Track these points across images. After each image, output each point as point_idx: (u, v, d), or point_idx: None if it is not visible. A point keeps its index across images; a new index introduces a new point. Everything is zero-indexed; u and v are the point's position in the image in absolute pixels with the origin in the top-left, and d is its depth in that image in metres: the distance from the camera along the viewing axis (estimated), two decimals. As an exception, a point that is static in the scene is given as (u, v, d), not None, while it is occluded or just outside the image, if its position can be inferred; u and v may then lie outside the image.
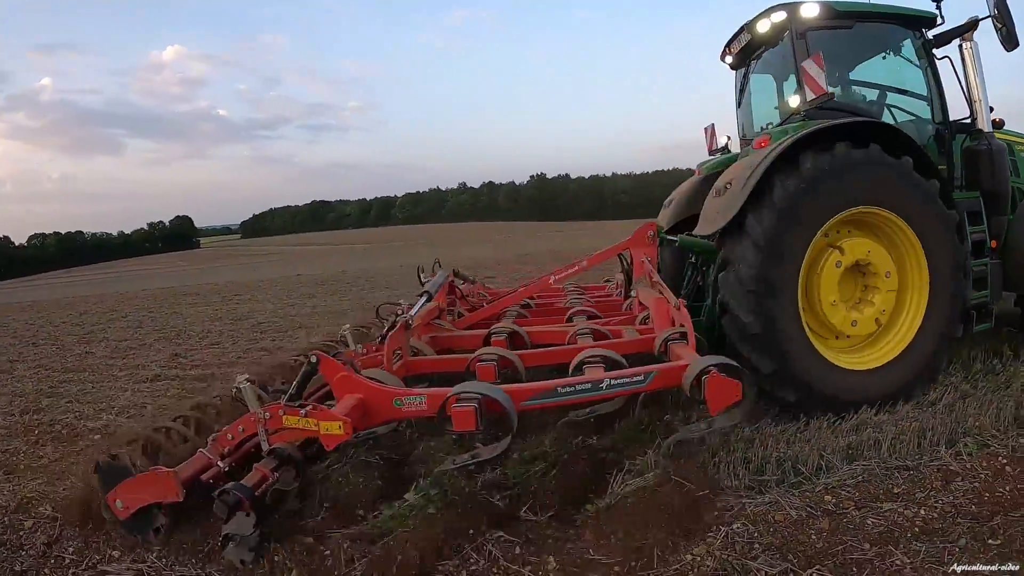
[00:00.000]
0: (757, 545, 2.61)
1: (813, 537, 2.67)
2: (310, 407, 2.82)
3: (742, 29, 4.91)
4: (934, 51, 4.55)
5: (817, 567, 2.49)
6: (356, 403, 2.85)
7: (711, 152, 5.78)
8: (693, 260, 5.14)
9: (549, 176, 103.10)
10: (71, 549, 2.93)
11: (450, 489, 2.88)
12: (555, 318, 5.02)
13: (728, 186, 3.98)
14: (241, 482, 2.78)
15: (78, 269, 69.31)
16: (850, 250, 3.89)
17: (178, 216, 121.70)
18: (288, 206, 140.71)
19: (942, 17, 4.47)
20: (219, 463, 3.02)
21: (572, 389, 2.88)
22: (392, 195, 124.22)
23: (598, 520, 2.76)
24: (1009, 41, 4.23)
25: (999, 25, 4.20)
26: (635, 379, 2.98)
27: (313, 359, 2.97)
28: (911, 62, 4.61)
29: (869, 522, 2.76)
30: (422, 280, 5.14)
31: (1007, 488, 2.97)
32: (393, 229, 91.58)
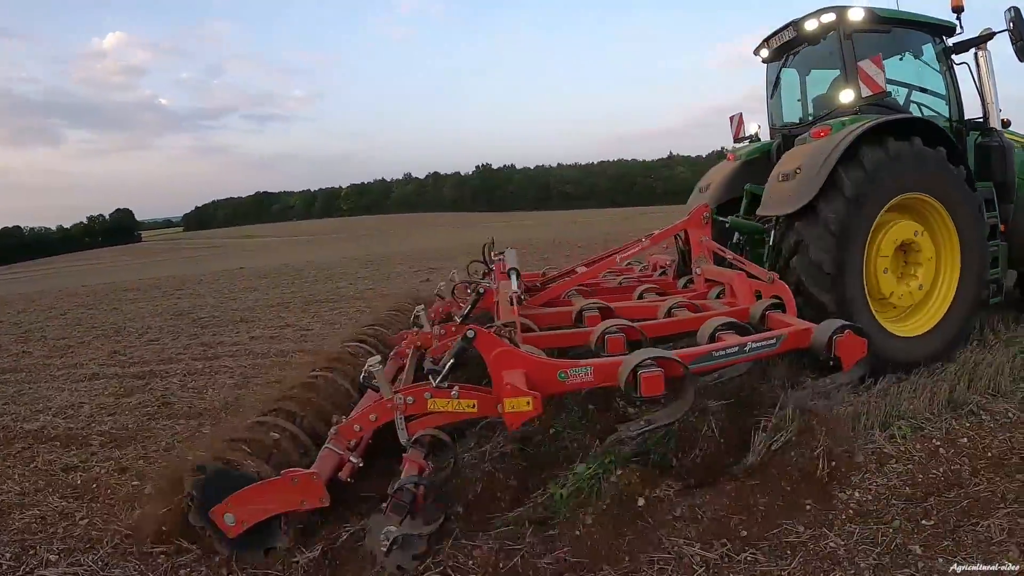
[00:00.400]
0: (693, 531, 2.68)
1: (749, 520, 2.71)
2: (459, 387, 2.70)
3: (788, 26, 5.25)
4: (952, 57, 5.11)
5: (751, 551, 2.54)
6: (523, 379, 2.70)
7: (736, 139, 6.10)
8: (736, 241, 5.43)
9: (495, 166, 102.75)
10: (8, 555, 2.85)
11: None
12: (617, 296, 5.15)
13: (798, 171, 4.33)
14: (413, 475, 2.55)
15: (16, 266, 64.64)
16: (924, 242, 4.50)
17: (118, 209, 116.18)
18: (231, 198, 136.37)
19: (961, 27, 5.03)
20: (352, 459, 2.76)
21: (724, 353, 3.11)
22: (337, 186, 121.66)
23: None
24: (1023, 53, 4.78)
25: (1015, 38, 4.76)
26: (768, 342, 3.25)
27: (470, 334, 2.77)
28: (930, 65, 5.16)
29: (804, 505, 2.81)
30: (489, 259, 5.01)
31: (940, 470, 3.09)
32: (338, 220, 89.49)
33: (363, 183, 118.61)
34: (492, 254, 5.10)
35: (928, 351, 4.42)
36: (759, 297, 4.14)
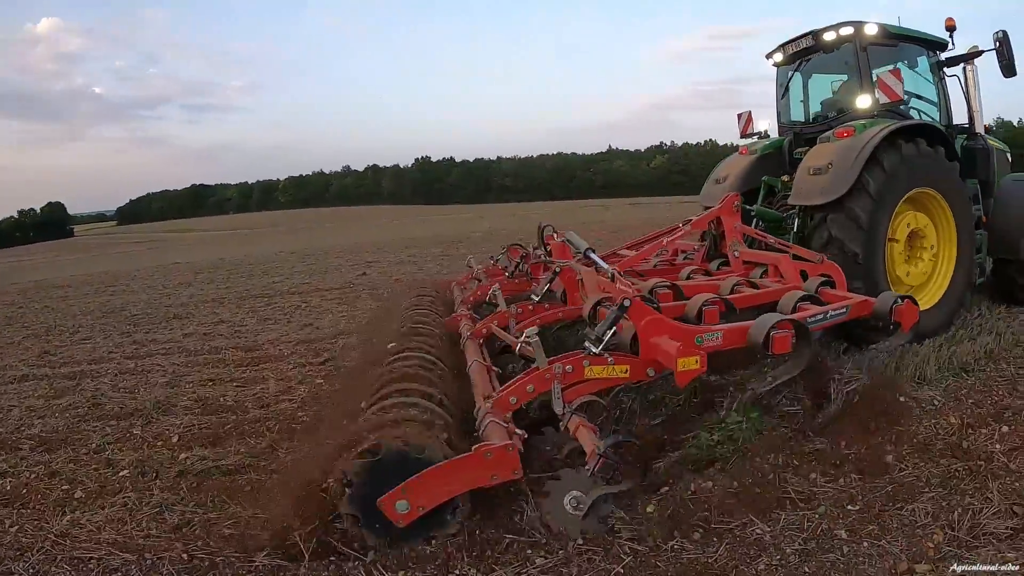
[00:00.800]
0: (624, 519, 2.71)
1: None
2: (612, 354, 2.87)
3: (807, 35, 5.87)
4: (944, 69, 5.90)
5: (679, 538, 2.59)
6: (672, 343, 2.87)
7: (744, 135, 6.69)
8: (756, 227, 5.90)
9: (434, 159, 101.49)
10: (-59, 563, 2.81)
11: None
12: (662, 277, 5.39)
13: (830, 166, 4.91)
14: (616, 437, 2.62)
15: (-57, 263, 58.02)
16: (932, 252, 5.30)
17: (50, 202, 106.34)
18: (167, 190, 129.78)
19: (953, 43, 5.86)
20: (518, 430, 2.71)
21: (815, 319, 3.62)
22: (275, 178, 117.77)
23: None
24: (1008, 70, 5.62)
25: (1001, 58, 5.54)
26: (840, 311, 3.78)
27: (626, 303, 2.89)
28: (924, 76, 5.95)
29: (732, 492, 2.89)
30: (549, 240, 5.25)
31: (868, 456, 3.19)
32: (276, 213, 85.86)
33: (301, 175, 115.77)
34: (558, 233, 5.35)
35: (933, 323, 5.15)
36: (804, 276, 4.62)
